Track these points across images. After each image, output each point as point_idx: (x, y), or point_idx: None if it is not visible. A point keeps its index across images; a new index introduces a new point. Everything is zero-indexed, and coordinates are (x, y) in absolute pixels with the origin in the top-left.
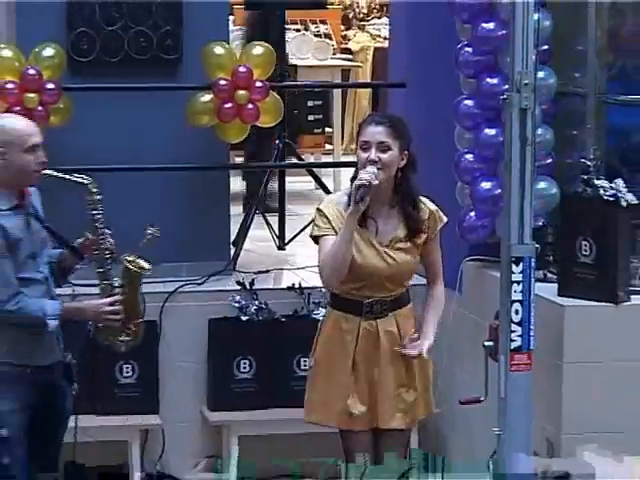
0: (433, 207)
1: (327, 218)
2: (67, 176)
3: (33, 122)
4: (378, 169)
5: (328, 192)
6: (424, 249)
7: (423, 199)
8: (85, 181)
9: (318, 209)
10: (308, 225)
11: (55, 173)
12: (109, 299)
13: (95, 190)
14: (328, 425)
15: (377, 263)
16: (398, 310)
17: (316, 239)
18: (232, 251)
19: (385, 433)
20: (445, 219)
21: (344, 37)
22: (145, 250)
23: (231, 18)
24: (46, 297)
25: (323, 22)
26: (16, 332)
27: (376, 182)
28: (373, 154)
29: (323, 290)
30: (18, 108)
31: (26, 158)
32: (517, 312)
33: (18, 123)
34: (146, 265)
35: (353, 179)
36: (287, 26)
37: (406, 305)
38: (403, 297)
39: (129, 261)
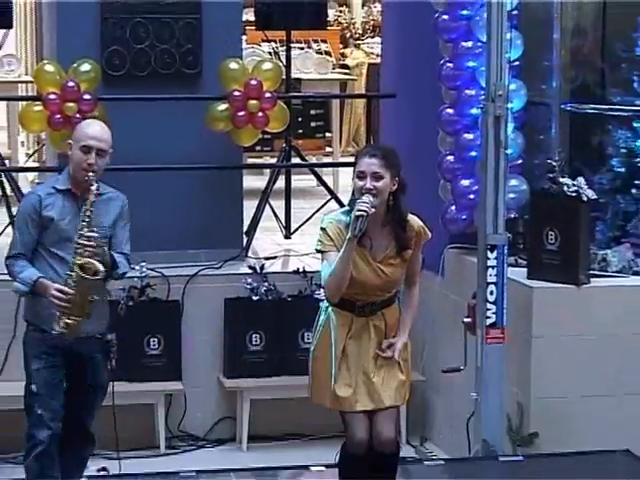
0: (419, 225)
1: (329, 236)
2: (95, 191)
3: (106, 130)
4: (373, 195)
5: (328, 188)
6: (409, 260)
7: (410, 217)
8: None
9: (322, 228)
10: (311, 217)
11: (94, 185)
12: (57, 286)
13: (93, 201)
14: (323, 405)
15: (371, 277)
16: (386, 309)
17: (321, 253)
18: (245, 240)
19: (378, 412)
20: (429, 235)
21: (342, 54)
22: (170, 239)
23: (244, 37)
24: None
25: (324, 41)
26: (43, 302)
27: (372, 211)
28: (368, 183)
29: None
30: (58, 116)
31: (79, 155)
32: (492, 293)
33: (89, 124)
34: (100, 268)
35: (350, 202)
36: (292, 44)
37: (393, 304)
38: (391, 299)
39: (79, 264)
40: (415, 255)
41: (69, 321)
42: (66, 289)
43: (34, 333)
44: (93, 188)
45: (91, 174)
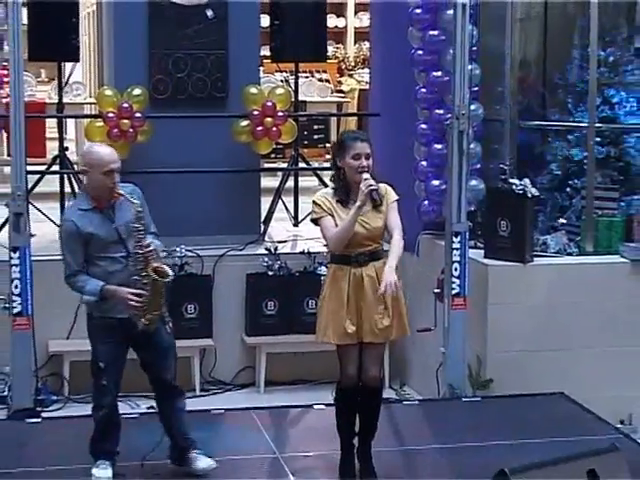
0: (385, 187)
1: (320, 206)
2: (130, 199)
3: (114, 151)
4: (367, 171)
5: (327, 187)
6: (386, 216)
7: (380, 183)
8: (135, 202)
9: (313, 201)
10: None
11: (122, 193)
12: (132, 291)
13: (140, 209)
14: (331, 342)
15: (358, 228)
16: (376, 261)
17: (315, 221)
18: (262, 227)
19: (367, 345)
20: (395, 195)
21: (338, 82)
22: (203, 227)
23: (261, 68)
24: (125, 271)
25: (324, 71)
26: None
27: (375, 187)
28: (364, 162)
29: (325, 254)
30: (115, 130)
31: (103, 179)
32: (456, 269)
33: (102, 151)
34: (169, 272)
35: (335, 176)
36: (299, 74)
37: (381, 258)
38: (378, 252)
39: (154, 269)
40: (390, 210)
41: (150, 316)
42: (139, 292)
43: (97, 320)
44: (136, 203)
45: (119, 191)
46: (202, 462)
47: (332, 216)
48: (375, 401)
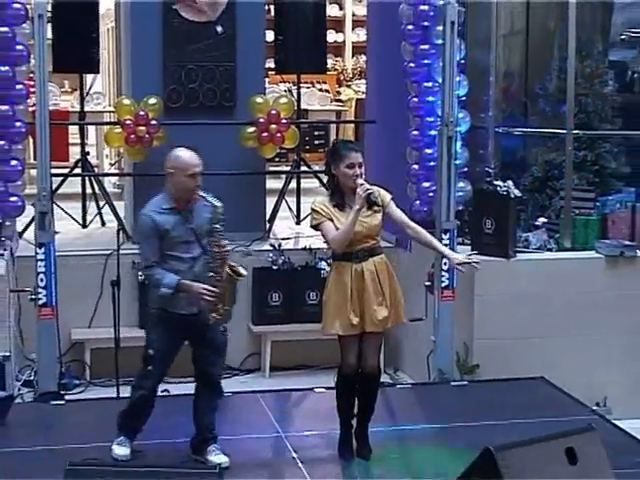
0: (377, 188)
1: (319, 212)
2: (209, 198)
3: (196, 156)
4: (361, 177)
5: (327, 188)
6: (389, 214)
7: (373, 186)
8: (217, 204)
9: (312, 208)
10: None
11: (204, 195)
12: (206, 287)
13: (220, 211)
14: (338, 334)
15: (357, 227)
16: (374, 256)
17: (315, 227)
18: (267, 225)
19: (368, 335)
20: (389, 195)
21: (337, 92)
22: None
23: (267, 80)
24: (189, 272)
25: (324, 82)
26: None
27: (371, 191)
28: (358, 171)
29: (325, 250)
30: (133, 136)
31: (187, 181)
32: (445, 264)
33: (186, 156)
34: (243, 272)
35: (329, 182)
36: (301, 85)
37: (380, 254)
38: (376, 248)
39: (230, 267)
40: (390, 207)
41: (221, 311)
42: (212, 288)
43: (158, 312)
44: (218, 205)
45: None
46: (218, 457)
47: (331, 220)
48: (373, 386)
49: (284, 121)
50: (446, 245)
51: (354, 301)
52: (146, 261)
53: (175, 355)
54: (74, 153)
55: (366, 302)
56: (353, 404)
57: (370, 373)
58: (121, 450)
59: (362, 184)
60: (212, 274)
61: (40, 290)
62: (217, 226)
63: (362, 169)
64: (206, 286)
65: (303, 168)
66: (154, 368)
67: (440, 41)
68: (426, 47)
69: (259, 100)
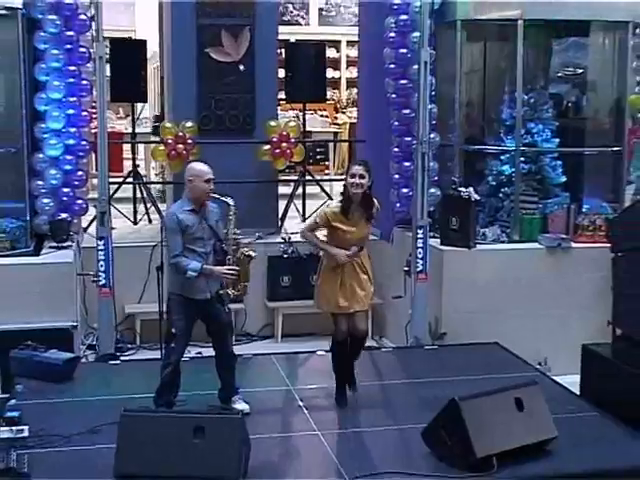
0: (376, 205)
1: (322, 218)
2: (222, 198)
3: (207, 166)
4: (360, 187)
5: (326, 193)
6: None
7: (374, 200)
8: (230, 203)
9: (325, 211)
10: (317, 210)
11: (217, 196)
12: (226, 268)
13: (234, 210)
14: (328, 311)
15: (352, 234)
16: (361, 252)
17: (313, 220)
18: (279, 223)
19: (355, 312)
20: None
21: (335, 117)
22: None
23: (279, 107)
24: (201, 262)
25: (324, 109)
26: (182, 279)
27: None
28: (357, 180)
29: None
30: (173, 152)
31: (204, 185)
32: (420, 253)
33: (202, 166)
34: (253, 254)
35: (343, 192)
36: (306, 111)
37: (363, 250)
38: (362, 247)
39: (243, 251)
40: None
41: (239, 286)
42: (229, 268)
43: (178, 297)
44: (231, 204)
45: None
46: (240, 405)
47: (325, 227)
48: (361, 343)
49: (292, 140)
50: (420, 239)
51: (343, 288)
52: (173, 251)
53: (191, 331)
54: (127, 165)
55: (352, 288)
56: (345, 364)
57: (360, 336)
58: None
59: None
60: (228, 257)
61: (100, 274)
62: (231, 218)
63: (363, 180)
64: (224, 268)
65: (307, 177)
66: (177, 345)
67: (416, 77)
68: (405, 82)
69: (273, 123)
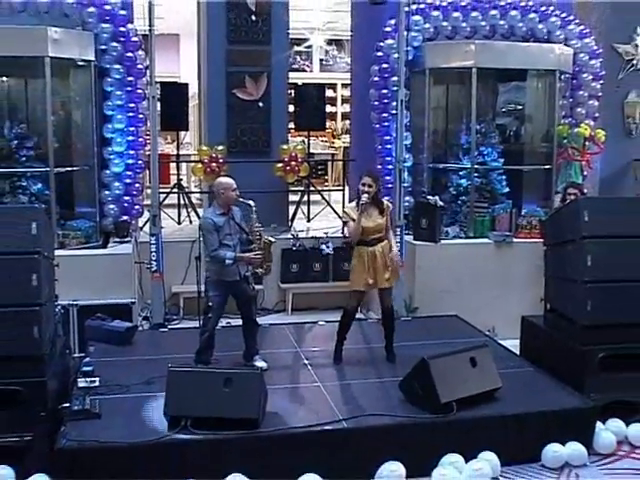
0: (386, 203)
1: (346, 215)
2: (245, 201)
3: (232, 179)
4: (367, 193)
5: (326, 201)
6: (385, 219)
7: (385, 200)
8: (251, 204)
9: (344, 210)
10: (318, 213)
11: (242, 200)
12: (253, 254)
13: (255, 209)
14: (359, 289)
15: (369, 224)
16: (382, 242)
17: (344, 223)
18: (290, 223)
19: (383, 289)
20: (391, 206)
21: (332, 142)
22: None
23: (289, 134)
24: (233, 252)
25: (324, 136)
26: (219, 266)
27: (368, 201)
28: (366, 188)
29: (324, 237)
30: (208, 169)
31: (232, 194)
32: (398, 246)
33: (229, 180)
34: (273, 240)
35: (357, 198)
36: (311, 137)
37: (384, 240)
38: (382, 238)
39: (265, 239)
40: (388, 217)
41: (265, 266)
42: (256, 254)
43: (215, 279)
44: (252, 205)
45: (240, 199)
46: (260, 363)
47: (353, 220)
48: (391, 319)
49: (300, 159)
50: (397, 235)
51: (369, 271)
52: (211, 247)
53: (225, 305)
54: (173, 179)
55: (377, 270)
56: (347, 330)
57: (387, 310)
58: None
59: (364, 196)
60: (254, 245)
61: (152, 262)
62: (253, 216)
63: (371, 188)
64: (251, 254)
65: (311, 188)
66: (213, 316)
67: (394, 111)
68: (386, 115)
69: (284, 147)
